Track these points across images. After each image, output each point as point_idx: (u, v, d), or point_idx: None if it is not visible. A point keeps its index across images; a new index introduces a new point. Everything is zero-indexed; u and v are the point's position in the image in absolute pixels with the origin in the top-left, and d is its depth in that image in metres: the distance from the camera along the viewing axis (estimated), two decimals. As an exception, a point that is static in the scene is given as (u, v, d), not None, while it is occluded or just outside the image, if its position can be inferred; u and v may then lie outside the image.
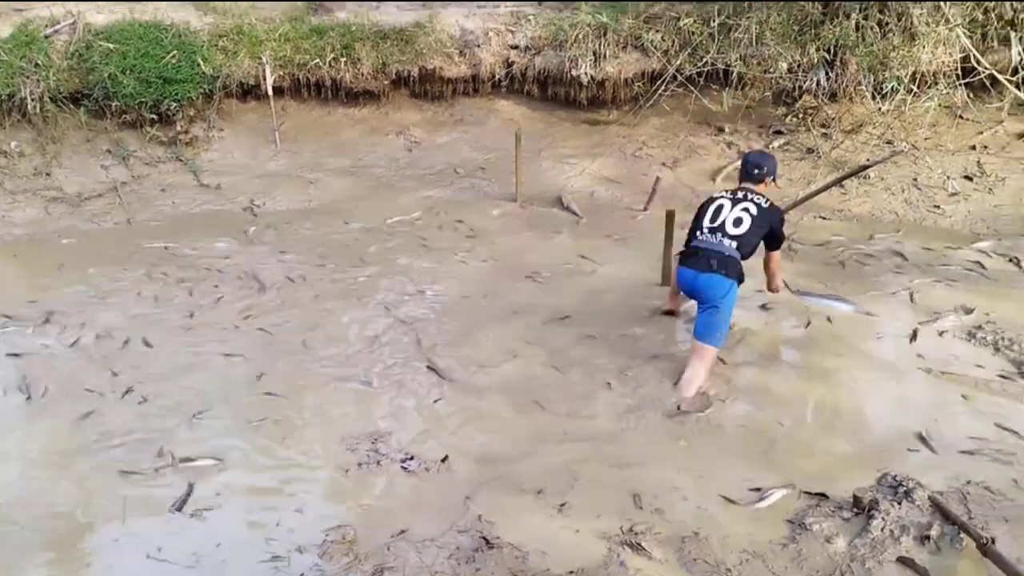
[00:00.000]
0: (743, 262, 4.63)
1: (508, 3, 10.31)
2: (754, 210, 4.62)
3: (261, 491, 3.75)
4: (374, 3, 10.15)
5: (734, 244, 4.56)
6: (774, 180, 4.96)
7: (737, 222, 4.60)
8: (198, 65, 8.64)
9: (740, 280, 4.64)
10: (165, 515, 3.56)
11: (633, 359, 4.89)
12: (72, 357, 5.05)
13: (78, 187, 8.08)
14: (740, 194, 4.74)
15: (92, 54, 8.34)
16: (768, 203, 4.72)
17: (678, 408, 4.36)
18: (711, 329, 4.53)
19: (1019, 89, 8.15)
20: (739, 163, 5.11)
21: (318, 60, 9.17)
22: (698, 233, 4.73)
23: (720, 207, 4.70)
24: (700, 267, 4.59)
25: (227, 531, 3.46)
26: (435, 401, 4.52)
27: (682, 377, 4.54)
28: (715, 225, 4.64)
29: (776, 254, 5.06)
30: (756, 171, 4.83)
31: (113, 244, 7.00)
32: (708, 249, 4.60)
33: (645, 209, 7.89)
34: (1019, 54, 8.19)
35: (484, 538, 3.29)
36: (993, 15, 8.20)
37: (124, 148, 8.55)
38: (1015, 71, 8.18)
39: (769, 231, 4.74)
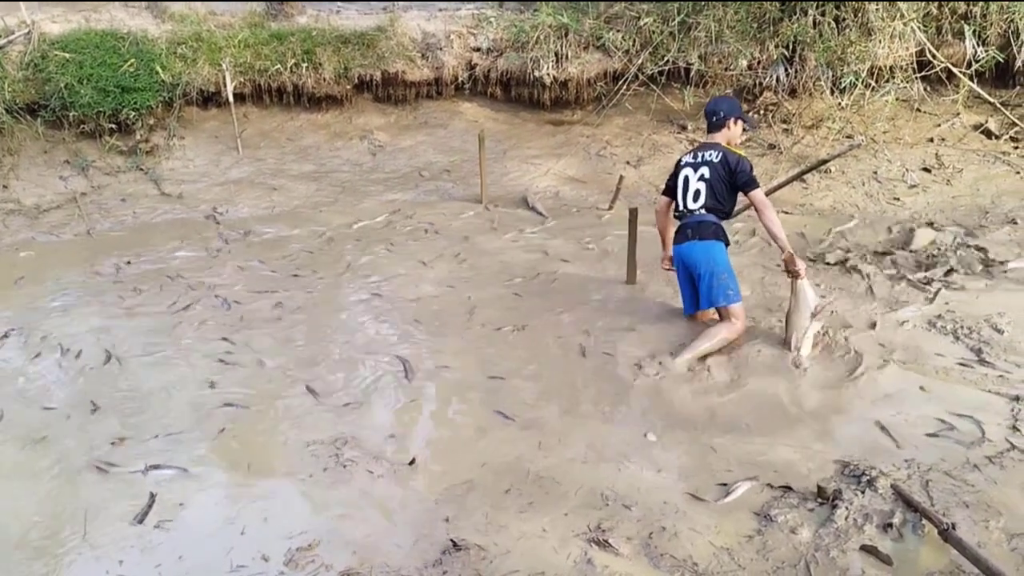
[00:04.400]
0: (726, 221, 4.87)
1: (469, 5, 10.33)
2: (708, 173, 4.72)
3: (225, 501, 3.70)
4: (336, 3, 10.12)
5: (703, 211, 4.76)
6: (740, 120, 4.92)
7: (696, 195, 4.77)
8: (157, 73, 8.56)
9: (719, 238, 4.75)
10: (127, 528, 3.50)
11: (599, 357, 4.90)
12: (33, 372, 4.96)
13: (36, 199, 7.96)
14: (699, 156, 4.82)
15: (48, 64, 8.24)
16: (720, 155, 4.72)
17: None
18: (715, 292, 4.71)
19: (974, 82, 8.31)
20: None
21: (279, 66, 9.13)
22: (676, 212, 4.96)
23: (686, 178, 4.84)
24: (682, 240, 4.83)
25: (190, 542, 3.41)
26: (401, 405, 4.49)
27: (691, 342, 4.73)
28: (685, 201, 4.83)
29: (756, 195, 4.63)
30: (715, 118, 4.88)
31: (73, 256, 6.89)
32: (687, 223, 4.83)
33: (610, 208, 7.93)
34: (973, 47, 8.34)
35: (451, 540, 3.27)
36: (947, 9, 8.35)
37: (83, 158, 8.44)
38: (969, 64, 8.34)
39: (730, 178, 4.70)
